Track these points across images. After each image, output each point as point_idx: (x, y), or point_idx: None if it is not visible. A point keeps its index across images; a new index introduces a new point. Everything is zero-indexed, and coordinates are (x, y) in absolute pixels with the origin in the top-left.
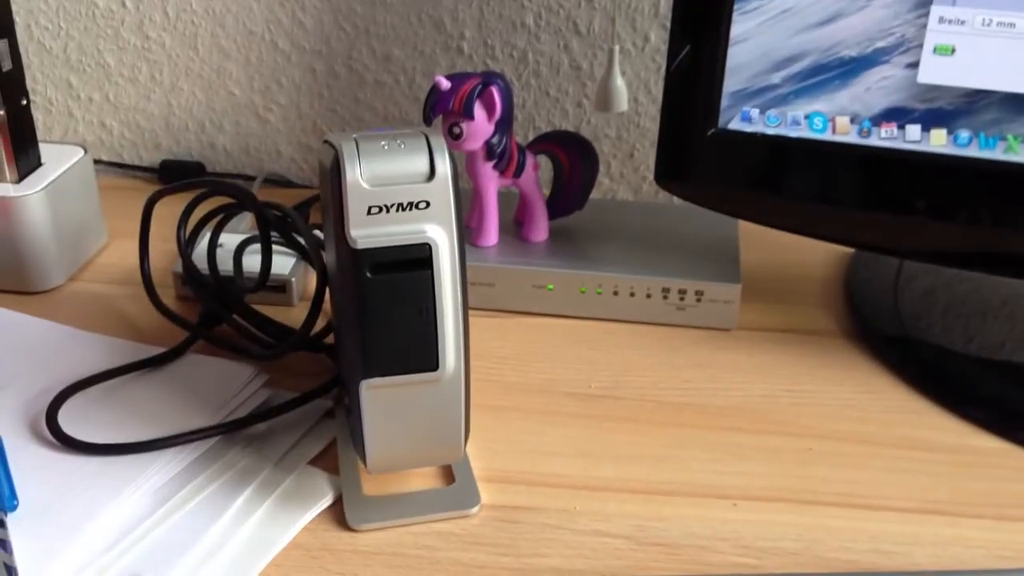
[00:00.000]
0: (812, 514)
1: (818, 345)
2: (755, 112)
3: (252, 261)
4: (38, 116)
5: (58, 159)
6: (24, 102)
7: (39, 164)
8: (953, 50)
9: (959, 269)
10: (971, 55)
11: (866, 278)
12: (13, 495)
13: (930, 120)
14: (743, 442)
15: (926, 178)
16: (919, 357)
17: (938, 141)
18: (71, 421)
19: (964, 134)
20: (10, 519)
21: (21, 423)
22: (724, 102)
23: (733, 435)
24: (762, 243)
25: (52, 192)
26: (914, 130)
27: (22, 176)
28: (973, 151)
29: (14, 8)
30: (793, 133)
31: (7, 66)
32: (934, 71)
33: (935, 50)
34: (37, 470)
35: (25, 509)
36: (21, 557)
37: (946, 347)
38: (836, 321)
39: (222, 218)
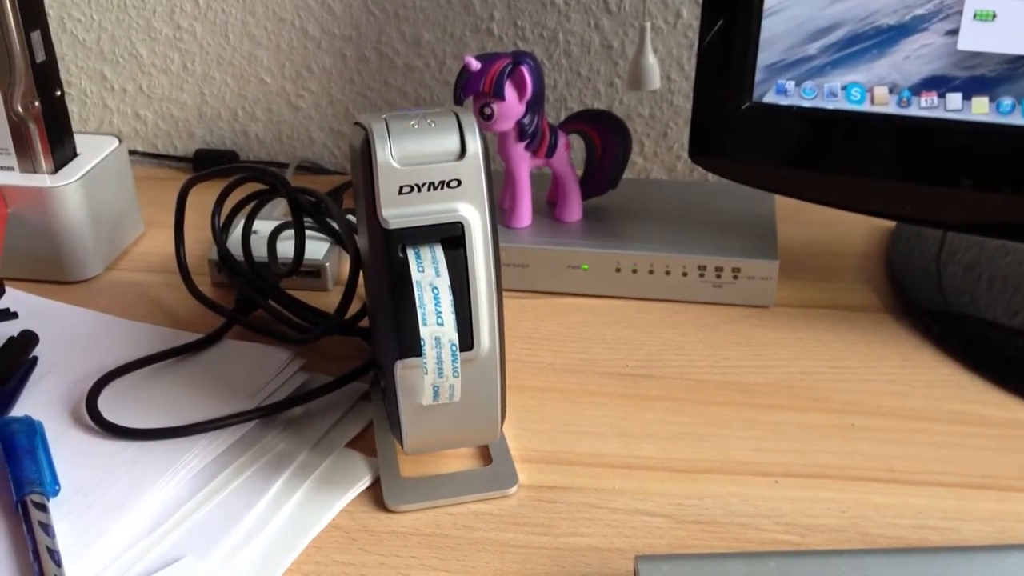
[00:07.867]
0: (856, 490)
1: (859, 321)
2: (791, 85)
3: (286, 247)
4: (73, 108)
5: (93, 150)
6: (58, 93)
7: (75, 155)
8: (994, 15)
9: (1003, 241)
10: (1013, 20)
11: (907, 252)
12: (55, 480)
13: (971, 88)
14: (784, 419)
15: (968, 148)
16: (963, 331)
17: (980, 109)
18: (111, 407)
19: (1007, 101)
20: (52, 503)
21: (62, 410)
22: (758, 76)
23: (773, 412)
24: (799, 218)
25: (88, 182)
26: (955, 99)
27: (58, 167)
28: (1016, 119)
29: (47, 1)
30: (830, 105)
31: (40, 57)
32: (975, 38)
33: (975, 16)
34: (78, 455)
35: (67, 493)
36: (63, 540)
37: (990, 320)
38: (877, 296)
39: (256, 204)
